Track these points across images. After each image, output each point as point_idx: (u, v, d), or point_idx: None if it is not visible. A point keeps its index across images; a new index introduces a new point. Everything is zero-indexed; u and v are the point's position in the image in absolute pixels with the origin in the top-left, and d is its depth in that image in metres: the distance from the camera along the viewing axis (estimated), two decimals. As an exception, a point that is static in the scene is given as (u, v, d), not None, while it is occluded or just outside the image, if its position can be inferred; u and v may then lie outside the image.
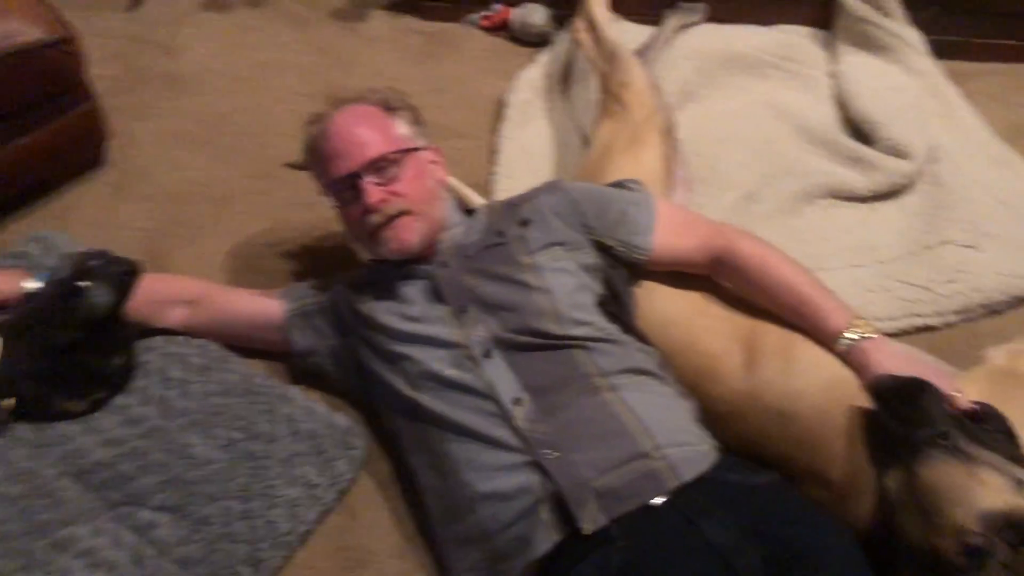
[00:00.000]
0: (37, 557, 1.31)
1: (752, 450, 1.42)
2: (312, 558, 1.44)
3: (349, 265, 1.81)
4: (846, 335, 1.41)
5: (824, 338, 1.44)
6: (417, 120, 1.60)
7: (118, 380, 1.49)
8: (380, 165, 1.48)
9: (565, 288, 1.45)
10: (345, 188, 1.49)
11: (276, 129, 2.16)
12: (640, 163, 1.78)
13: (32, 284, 1.48)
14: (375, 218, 1.47)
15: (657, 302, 1.56)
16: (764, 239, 1.57)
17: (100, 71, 2.06)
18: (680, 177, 1.94)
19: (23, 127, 1.78)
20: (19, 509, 1.35)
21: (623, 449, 1.28)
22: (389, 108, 1.57)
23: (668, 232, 1.55)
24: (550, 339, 1.38)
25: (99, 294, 1.38)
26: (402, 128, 1.56)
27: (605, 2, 2.16)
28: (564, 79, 2.30)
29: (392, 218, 1.47)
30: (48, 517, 1.35)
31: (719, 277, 1.57)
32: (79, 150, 1.98)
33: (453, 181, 1.86)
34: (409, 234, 1.48)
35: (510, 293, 1.43)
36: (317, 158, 1.55)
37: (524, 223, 1.52)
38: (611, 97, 1.95)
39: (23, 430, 1.45)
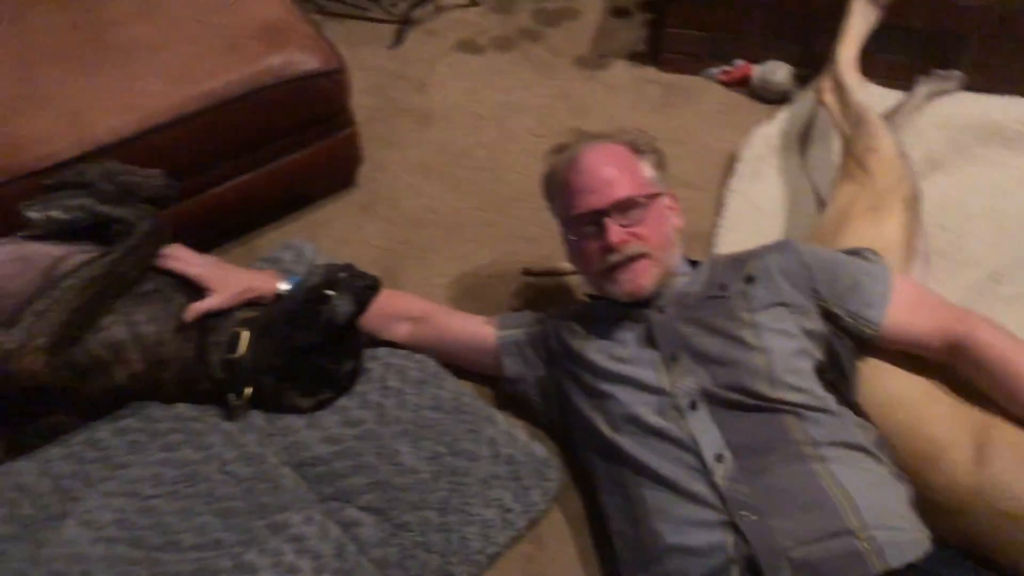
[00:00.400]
0: (255, 535, 1.42)
1: (973, 548, 1.32)
2: (498, 581, 1.47)
3: (565, 299, 1.86)
4: None
5: None
6: (661, 164, 1.62)
7: (345, 384, 1.59)
8: (626, 206, 1.50)
9: (784, 351, 1.40)
10: (587, 223, 1.52)
11: (510, 166, 2.26)
12: (880, 232, 1.70)
13: (284, 286, 1.63)
14: (614, 257, 1.48)
15: (883, 379, 1.48)
16: (1008, 329, 1.44)
17: (360, 101, 2.23)
18: (919, 250, 1.84)
19: (292, 146, 1.97)
20: (245, 488, 1.47)
21: (826, 523, 1.22)
22: (637, 150, 1.59)
23: (903, 309, 1.46)
24: (761, 400, 1.35)
25: (342, 304, 1.48)
26: (647, 171, 1.58)
27: (854, 65, 2.10)
28: (802, 138, 2.26)
29: (630, 259, 1.48)
30: (268, 500, 1.46)
31: (954, 365, 1.45)
32: (336, 171, 2.16)
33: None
34: (644, 278, 1.49)
35: (725, 348, 1.41)
36: (560, 189, 1.58)
37: (749, 279, 1.49)
38: (854, 161, 1.88)
39: (256, 417, 1.58)
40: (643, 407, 1.40)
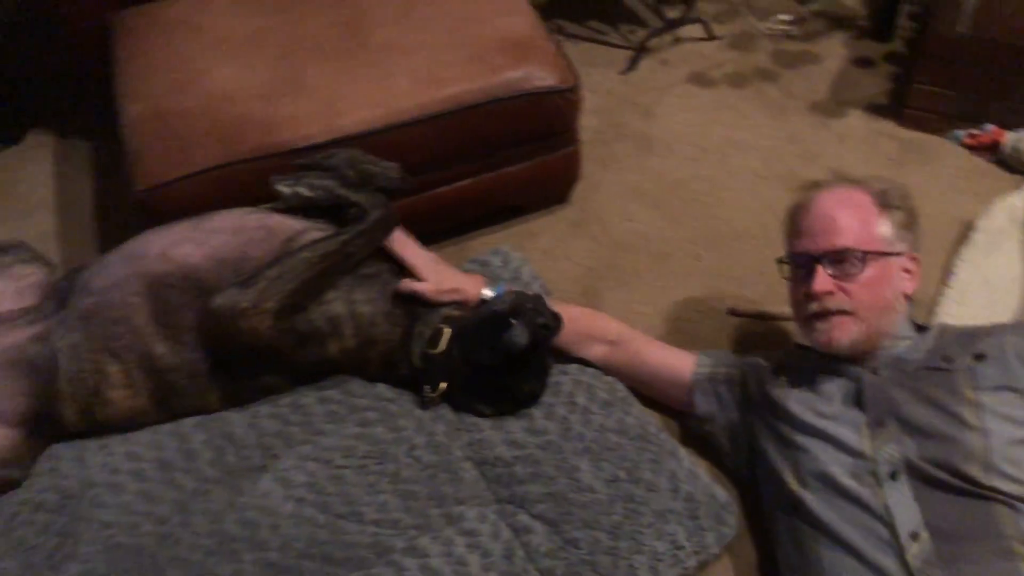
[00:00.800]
0: (430, 522, 1.47)
1: None
2: (658, 617, 1.45)
3: (765, 344, 1.81)
4: None
5: None
6: (909, 224, 1.51)
7: (524, 403, 1.60)
8: (841, 257, 1.43)
9: (1006, 437, 1.29)
10: (800, 265, 1.49)
11: (727, 203, 2.23)
12: None
13: (489, 292, 1.68)
14: (813, 306, 1.45)
15: None
16: None
17: (586, 121, 2.26)
18: None
19: (517, 157, 2.03)
20: (428, 475, 1.53)
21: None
22: (884, 203, 1.50)
23: None
24: (972, 485, 1.25)
25: (519, 335, 1.49)
26: (885, 228, 1.48)
27: None
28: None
29: (830, 313, 1.43)
30: (447, 490, 1.51)
31: None
32: (553, 186, 2.21)
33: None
34: (841, 334, 1.43)
35: (940, 422, 1.32)
36: (791, 225, 1.55)
37: (979, 357, 1.38)
38: None
39: (447, 410, 1.64)
40: (838, 467, 1.34)
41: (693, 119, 2.52)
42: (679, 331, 1.93)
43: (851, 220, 1.46)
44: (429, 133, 1.85)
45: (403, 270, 1.65)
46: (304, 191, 1.60)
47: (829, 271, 1.43)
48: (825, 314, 1.43)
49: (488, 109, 1.87)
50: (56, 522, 1.52)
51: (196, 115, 1.80)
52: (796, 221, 1.53)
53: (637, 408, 1.63)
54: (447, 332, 1.58)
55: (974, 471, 1.26)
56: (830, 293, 1.42)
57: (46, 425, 1.58)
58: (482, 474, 1.56)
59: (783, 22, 2.84)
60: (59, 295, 1.64)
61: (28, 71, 2.72)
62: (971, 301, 1.91)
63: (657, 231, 2.18)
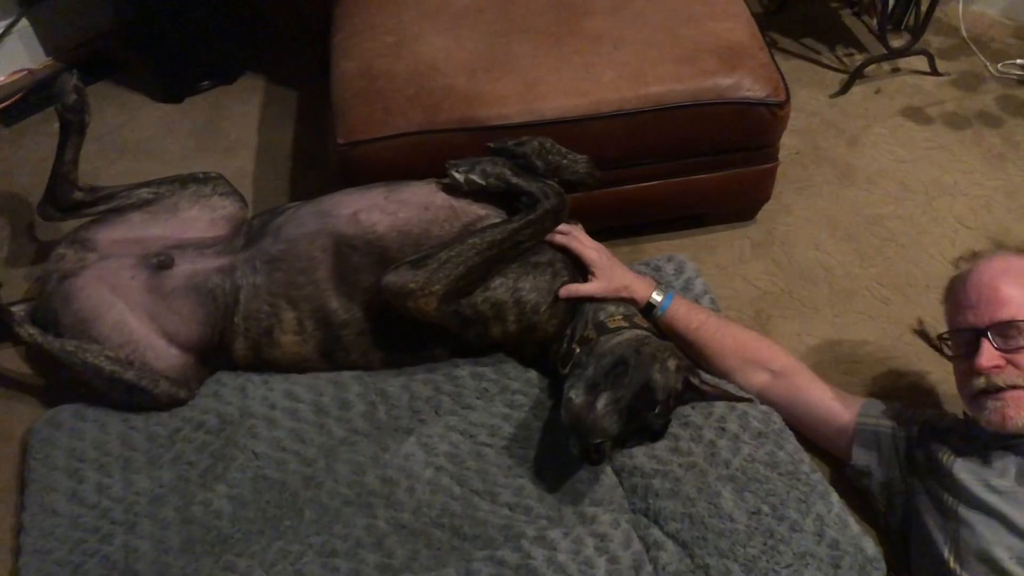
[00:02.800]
0: (564, 517, 1.47)
1: None
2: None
3: (940, 403, 1.69)
4: None
5: None
6: None
7: (655, 431, 1.55)
8: (1009, 331, 1.34)
9: None
10: (965, 339, 1.39)
11: (925, 248, 2.09)
12: None
13: (658, 297, 1.65)
14: (980, 382, 1.34)
15: None
16: None
17: (786, 140, 2.18)
18: None
19: (712, 165, 1.98)
20: (567, 470, 1.52)
21: None
22: None
23: None
24: None
25: (573, 446, 1.43)
26: None
27: None
28: None
29: (1001, 389, 1.33)
30: (584, 489, 1.51)
31: None
32: (742, 201, 2.14)
33: None
34: (1016, 412, 1.32)
35: None
36: (951, 297, 1.46)
37: None
38: None
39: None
40: (1004, 550, 1.24)
41: (901, 155, 2.37)
42: (851, 374, 1.83)
43: (1016, 289, 1.36)
44: (626, 129, 1.82)
45: (576, 264, 1.64)
46: (477, 178, 1.61)
47: (996, 344, 1.33)
48: (996, 391, 1.33)
49: (691, 112, 1.83)
50: (213, 443, 1.61)
51: (403, 80, 1.85)
52: (956, 293, 1.43)
53: (792, 444, 1.55)
54: (575, 354, 1.55)
55: None
56: (999, 368, 1.33)
57: (216, 354, 1.68)
58: (619, 481, 1.53)
59: (1018, 66, 2.63)
60: (249, 233, 1.73)
61: (251, 11, 2.87)
62: None
63: (844, 266, 2.08)
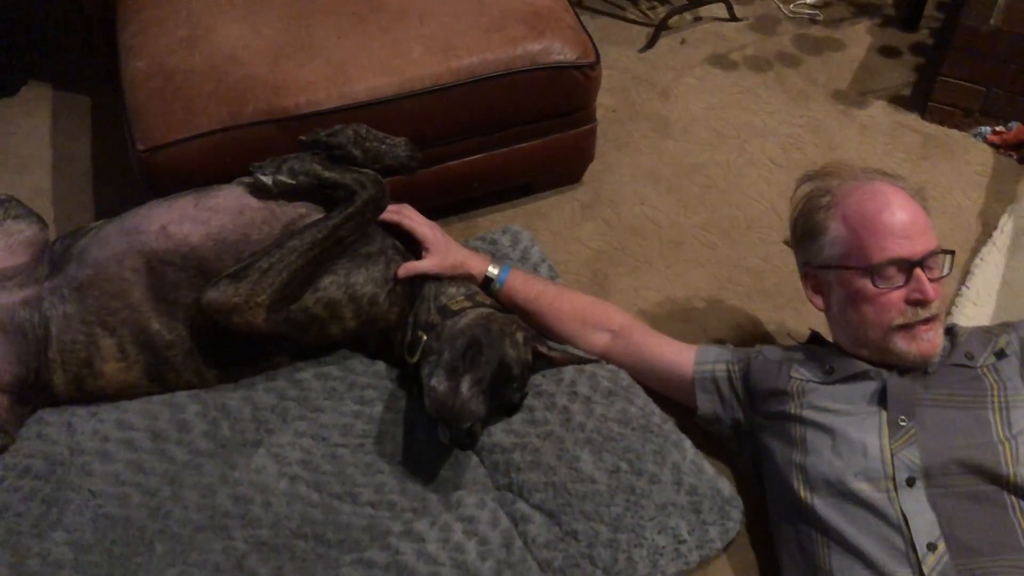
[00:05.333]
0: (428, 506, 1.44)
1: None
2: (657, 613, 1.42)
3: (774, 338, 1.75)
4: None
5: None
6: None
7: (512, 406, 1.54)
8: (932, 262, 1.38)
9: None
10: (895, 273, 1.37)
11: (743, 190, 2.17)
12: None
13: (494, 270, 1.64)
14: (922, 313, 1.36)
15: None
16: None
17: (601, 100, 2.21)
18: None
19: (532, 133, 1.97)
20: (427, 458, 1.49)
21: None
22: (922, 199, 1.46)
23: None
24: (995, 487, 1.22)
25: (442, 434, 1.43)
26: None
27: None
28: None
29: (926, 320, 1.36)
30: (447, 475, 1.48)
31: None
32: (567, 165, 2.15)
33: None
34: (938, 339, 1.38)
35: (965, 423, 1.29)
36: (859, 226, 1.41)
37: (1000, 354, 1.36)
38: None
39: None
40: (852, 472, 1.29)
41: (712, 102, 2.45)
42: (688, 321, 1.88)
43: (924, 219, 1.41)
44: (442, 104, 1.79)
45: (408, 247, 1.60)
46: (285, 178, 1.52)
47: (928, 276, 1.36)
48: (923, 321, 1.36)
49: (505, 82, 1.81)
50: (42, 489, 1.48)
51: (201, 75, 1.74)
52: (873, 223, 1.39)
53: (641, 398, 1.58)
54: (424, 342, 1.52)
55: (1000, 477, 1.23)
56: (937, 297, 1.37)
57: (33, 392, 1.54)
58: (480, 460, 1.52)
59: (807, 6, 2.77)
60: (52, 258, 1.59)
61: (26, 17, 2.65)
62: (987, 302, 1.88)
63: (670, 216, 2.13)
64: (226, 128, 1.69)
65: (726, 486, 1.49)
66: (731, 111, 2.42)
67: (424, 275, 1.58)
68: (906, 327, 1.36)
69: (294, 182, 1.53)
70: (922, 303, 1.35)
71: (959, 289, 1.93)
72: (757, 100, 2.46)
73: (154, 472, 1.49)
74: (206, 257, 1.49)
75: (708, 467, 1.51)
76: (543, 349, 1.58)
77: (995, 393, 1.31)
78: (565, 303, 1.65)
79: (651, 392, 1.61)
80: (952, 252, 1.41)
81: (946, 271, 1.41)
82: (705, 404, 1.55)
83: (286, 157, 1.54)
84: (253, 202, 1.54)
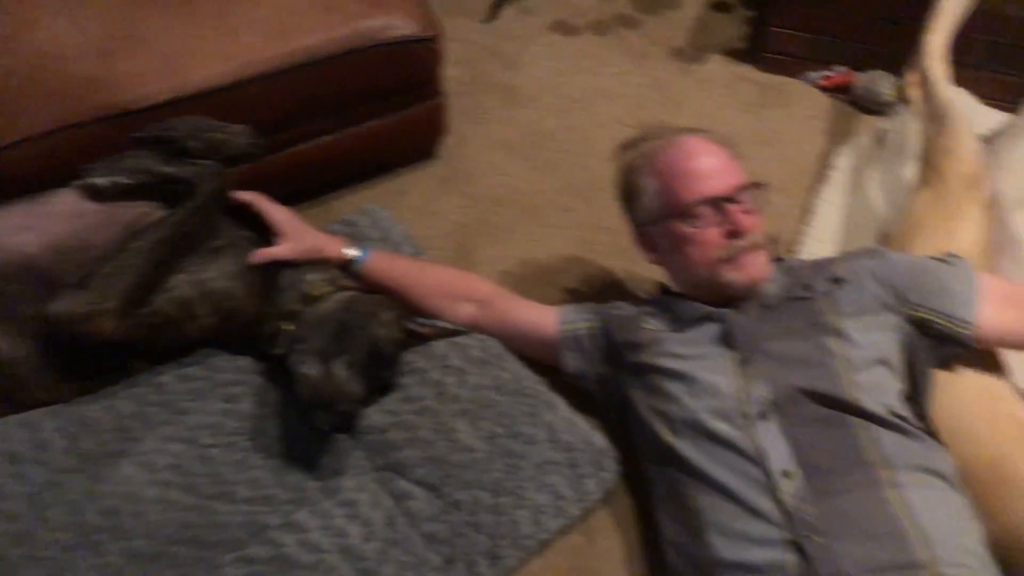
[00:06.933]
0: (307, 495, 1.43)
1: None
2: (545, 570, 1.44)
3: (635, 294, 1.80)
4: None
5: None
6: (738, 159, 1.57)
7: (386, 386, 1.54)
8: (742, 195, 1.45)
9: (867, 360, 1.35)
10: (707, 211, 1.44)
11: (595, 153, 2.21)
12: (954, 240, 1.62)
13: (352, 252, 1.62)
14: (741, 243, 1.43)
15: (950, 399, 1.43)
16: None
17: (449, 73, 2.21)
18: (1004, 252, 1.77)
19: (379, 111, 1.95)
20: (301, 448, 1.48)
21: (894, 554, 1.17)
22: (724, 144, 1.55)
23: (997, 302, 1.41)
24: (838, 412, 1.29)
25: (321, 420, 1.40)
26: (739, 165, 1.53)
27: (943, 55, 1.95)
28: (901, 152, 2.17)
29: (756, 246, 1.44)
30: (323, 462, 1.47)
31: None
32: (419, 141, 2.14)
33: None
34: (764, 266, 1.46)
35: (806, 352, 1.36)
36: (667, 177, 1.49)
37: (836, 281, 1.44)
38: (930, 165, 1.79)
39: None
40: (708, 412, 1.35)
41: (558, 68, 2.49)
42: (552, 284, 1.91)
43: (727, 159, 1.49)
44: (282, 88, 1.75)
45: (264, 237, 1.57)
46: (123, 179, 1.47)
47: (740, 208, 1.44)
48: (753, 249, 1.44)
49: (345, 61, 1.78)
50: None
51: (23, 76, 1.64)
52: (674, 171, 1.49)
53: (512, 363, 1.60)
54: (287, 332, 1.50)
55: (840, 398, 1.30)
56: (749, 228, 1.44)
57: None
58: (357, 443, 1.51)
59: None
60: None
61: None
62: (830, 239, 1.98)
63: (527, 184, 2.16)
64: (56, 130, 1.60)
65: (599, 438, 1.54)
66: (578, 76, 2.46)
67: (281, 263, 1.55)
68: (729, 259, 1.44)
69: (131, 181, 1.47)
70: (738, 233, 1.43)
71: (803, 229, 2.03)
72: (601, 64, 2.51)
73: (12, 496, 1.41)
74: (46, 267, 1.42)
75: (581, 422, 1.55)
76: (412, 326, 1.58)
77: (832, 320, 1.39)
78: (429, 278, 1.66)
79: (522, 357, 1.63)
80: (760, 183, 1.48)
81: (756, 203, 1.48)
82: (571, 362, 1.58)
83: (121, 156, 1.48)
84: (90, 206, 1.47)
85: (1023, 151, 2.08)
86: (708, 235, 1.45)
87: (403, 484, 1.45)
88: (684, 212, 1.46)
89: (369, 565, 1.35)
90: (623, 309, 1.58)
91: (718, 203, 1.44)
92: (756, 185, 1.48)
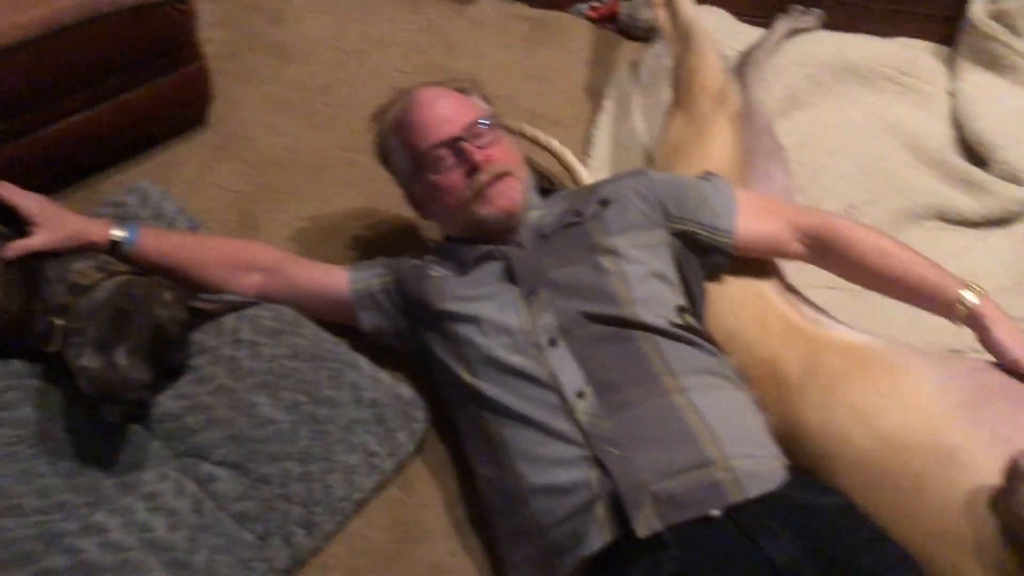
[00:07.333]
0: (104, 495, 1.36)
1: (818, 471, 1.37)
2: (366, 528, 1.45)
3: (428, 244, 1.80)
4: (964, 299, 1.39)
5: (940, 308, 1.41)
6: (489, 101, 1.63)
7: (176, 369, 1.49)
8: (478, 131, 1.49)
9: (640, 274, 1.41)
10: (444, 155, 1.49)
11: (373, 103, 2.13)
12: (707, 157, 1.72)
13: (119, 232, 1.52)
14: (483, 176, 1.46)
15: (723, 306, 1.53)
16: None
17: (210, 34, 2.10)
18: (785, 188, 1.88)
19: (134, 81, 1.82)
20: (91, 448, 1.40)
21: (687, 455, 1.24)
22: (462, 90, 1.60)
23: (751, 213, 1.52)
24: (620, 327, 1.35)
25: (108, 412, 1.33)
26: (481, 104, 1.59)
27: None
28: (658, 76, 2.25)
29: (499, 176, 1.47)
30: (119, 458, 1.40)
31: (817, 260, 1.53)
32: (184, 109, 2.02)
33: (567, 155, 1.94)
34: (515, 193, 1.49)
35: (584, 275, 1.41)
36: (405, 132, 1.55)
37: (604, 203, 1.50)
38: (680, 87, 1.88)
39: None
40: (501, 348, 1.38)
41: (328, 20, 2.40)
42: (344, 243, 1.88)
43: (460, 102, 1.54)
44: (16, 66, 1.58)
45: (20, 229, 1.45)
46: None
47: (476, 144, 1.48)
48: (494, 180, 1.47)
49: (87, 30, 1.63)
50: None
51: None
52: (411, 125, 1.54)
53: (309, 328, 1.57)
54: (59, 326, 1.40)
55: (621, 313, 1.36)
56: (489, 160, 1.47)
57: None
58: (153, 433, 1.44)
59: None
60: None
61: None
62: (609, 167, 2.04)
63: (308, 143, 2.09)
64: None
65: (406, 391, 1.54)
66: (349, 26, 2.39)
67: (44, 255, 1.44)
68: (476, 195, 1.48)
69: None
70: (476, 169, 1.47)
71: (584, 160, 2.08)
72: (372, 11, 2.44)
73: None
74: None
75: (386, 377, 1.55)
76: (196, 303, 1.51)
77: (603, 240, 1.45)
78: (208, 251, 1.59)
79: (319, 321, 1.60)
80: (491, 115, 1.54)
81: (500, 136, 1.53)
82: (367, 320, 1.57)
83: None
84: None
85: (781, 63, 2.23)
86: (452, 178, 1.49)
87: (206, 467, 1.41)
88: (425, 162, 1.51)
89: (179, 556, 1.31)
90: (413, 260, 1.58)
91: (454, 144, 1.48)
92: (488, 118, 1.52)
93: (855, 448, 1.31)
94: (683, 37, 1.93)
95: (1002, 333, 1.36)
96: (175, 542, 1.31)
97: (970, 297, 1.39)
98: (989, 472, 1.19)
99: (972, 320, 1.39)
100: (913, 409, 1.31)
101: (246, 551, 1.34)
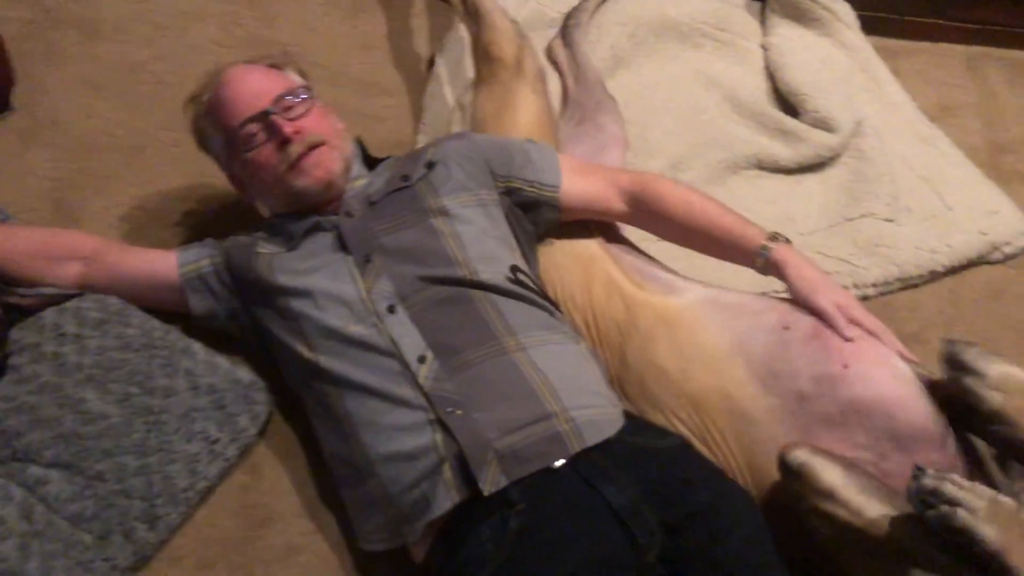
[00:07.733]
0: (-79, 512, 1.27)
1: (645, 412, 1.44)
2: (214, 516, 1.42)
3: (248, 223, 1.75)
4: (764, 248, 1.45)
5: (744, 258, 1.47)
6: (305, 74, 1.61)
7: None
8: (287, 104, 1.47)
9: (472, 234, 1.43)
10: (255, 130, 1.46)
11: (192, 79, 2.03)
12: (517, 126, 1.73)
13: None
14: (295, 148, 1.44)
15: (553, 264, 1.57)
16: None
17: (9, 13, 1.97)
18: (618, 136, 1.93)
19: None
20: (-98, 463, 1.30)
21: (528, 410, 1.27)
22: (274, 65, 1.57)
23: (574, 172, 1.56)
24: (458, 288, 1.36)
25: None
26: (295, 77, 1.57)
27: None
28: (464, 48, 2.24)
29: (312, 148, 1.45)
30: (-69, 473, 1.31)
31: (637, 218, 1.57)
32: (-18, 93, 1.88)
33: None
34: (330, 163, 1.47)
35: (417, 238, 1.41)
36: (216, 112, 1.51)
37: (430, 165, 1.50)
38: (480, 62, 1.87)
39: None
40: (339, 319, 1.36)
41: (139, -6, 2.28)
42: (171, 226, 1.79)
43: (267, 76, 1.52)
44: None
45: None
46: None
47: (286, 118, 1.46)
48: (307, 151, 1.45)
49: None
50: None
51: None
52: (221, 104, 1.51)
53: (137, 317, 1.51)
54: None
55: (456, 274, 1.37)
56: (300, 131, 1.45)
57: None
58: (-29, 442, 1.35)
59: None
60: None
61: None
62: (445, 129, 2.02)
63: (125, 124, 1.97)
64: None
65: (244, 374, 1.50)
66: (163, 1, 2.28)
67: None
68: (291, 168, 1.46)
69: None
70: (287, 141, 1.45)
71: (419, 127, 2.07)
72: (184, -16, 2.33)
73: None
74: None
75: (222, 362, 1.51)
76: (11, 299, 1.43)
77: (432, 201, 1.45)
78: (20, 242, 1.50)
79: (148, 309, 1.53)
80: (300, 85, 1.54)
81: (311, 107, 1.50)
82: (198, 304, 1.51)
83: None
84: None
85: (605, 24, 2.27)
86: (265, 153, 1.47)
87: (35, 470, 1.34)
88: (237, 140, 1.48)
89: (9, 566, 1.25)
90: (240, 239, 1.53)
91: (263, 119, 1.45)
92: (298, 89, 1.51)
93: (667, 407, 1.39)
94: (472, 14, 1.92)
95: (799, 280, 1.41)
96: (4, 552, 1.25)
97: (770, 245, 1.45)
98: (780, 437, 1.28)
99: (772, 268, 1.45)
100: (713, 372, 1.37)
101: (85, 553, 1.29)
